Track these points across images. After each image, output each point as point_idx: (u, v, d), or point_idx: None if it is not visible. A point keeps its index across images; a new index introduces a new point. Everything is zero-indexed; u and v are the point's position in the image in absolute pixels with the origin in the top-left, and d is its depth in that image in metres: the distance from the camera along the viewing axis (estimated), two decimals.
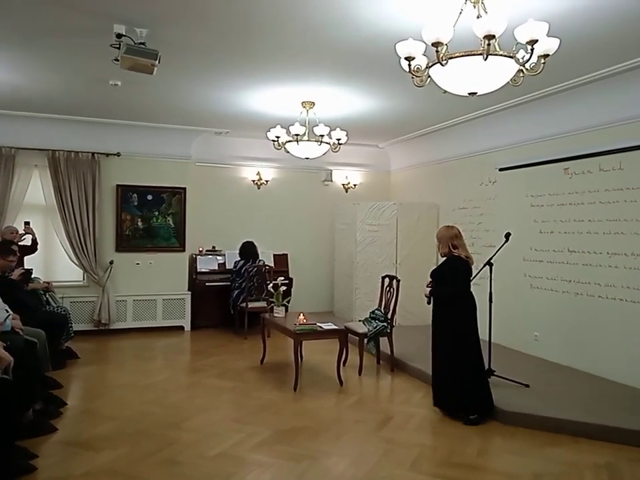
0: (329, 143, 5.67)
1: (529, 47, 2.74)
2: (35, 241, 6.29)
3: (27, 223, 6.27)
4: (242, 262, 7.27)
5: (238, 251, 7.43)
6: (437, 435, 3.84)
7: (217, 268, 7.71)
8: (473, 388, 4.06)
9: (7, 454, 3.00)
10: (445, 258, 4.23)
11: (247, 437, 3.72)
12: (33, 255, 6.26)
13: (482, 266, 4.77)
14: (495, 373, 4.63)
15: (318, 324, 5.00)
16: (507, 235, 4.85)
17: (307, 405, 4.45)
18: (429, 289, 4.24)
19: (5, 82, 5.13)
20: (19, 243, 5.97)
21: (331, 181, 8.67)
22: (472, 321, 4.13)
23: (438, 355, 4.23)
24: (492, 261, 4.74)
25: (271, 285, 5.93)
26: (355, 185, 8.81)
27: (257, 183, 8.22)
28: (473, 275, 4.28)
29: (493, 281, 4.74)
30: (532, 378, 4.74)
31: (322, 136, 5.54)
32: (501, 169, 6.34)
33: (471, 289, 4.22)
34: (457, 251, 4.15)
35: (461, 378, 4.06)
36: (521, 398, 4.31)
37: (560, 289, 5.48)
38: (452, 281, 4.10)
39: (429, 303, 4.29)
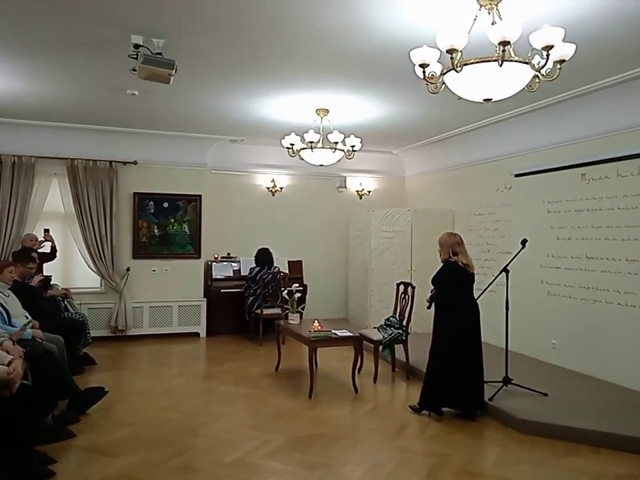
0: (343, 150, 5.68)
1: (545, 53, 2.72)
2: (54, 248, 6.39)
3: (46, 231, 6.38)
4: (257, 268, 7.30)
5: (253, 258, 7.47)
6: (453, 444, 3.80)
7: (232, 275, 7.75)
8: (462, 388, 4.19)
9: (26, 458, 3.04)
10: (443, 263, 4.33)
11: (262, 444, 3.73)
12: (52, 262, 6.35)
13: (498, 273, 4.73)
14: (512, 382, 4.57)
15: (333, 331, 5.00)
16: (523, 242, 4.80)
17: (322, 412, 4.44)
18: (430, 294, 4.38)
19: (26, 92, 5.24)
20: (39, 250, 6.08)
21: (345, 187, 8.68)
22: (467, 325, 4.22)
23: (431, 357, 4.36)
24: (508, 267, 4.69)
25: (286, 291, 5.94)
26: (369, 192, 8.81)
27: (271, 190, 8.26)
28: (489, 282, 4.35)
29: (509, 288, 4.69)
30: (550, 386, 4.68)
31: (336, 143, 5.55)
32: (516, 175, 6.29)
33: (473, 294, 4.34)
34: (455, 257, 4.24)
35: (452, 379, 4.17)
36: (539, 407, 4.25)
37: (578, 296, 5.41)
38: (445, 285, 4.23)
39: (428, 307, 4.43)
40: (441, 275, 4.30)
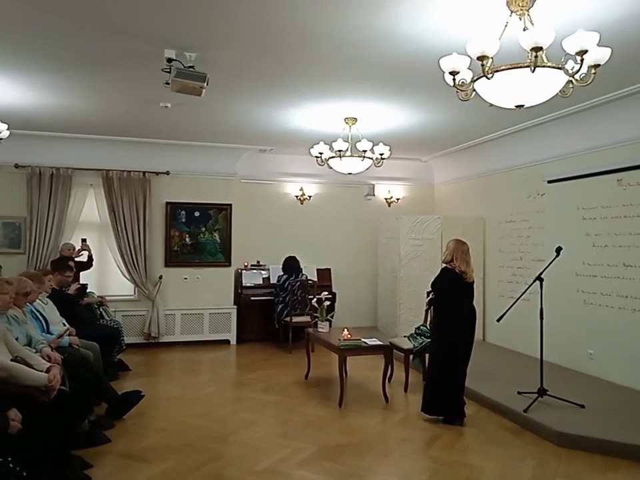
0: (371, 158, 5.68)
1: (579, 58, 2.67)
2: (90, 257, 6.58)
3: (83, 240, 6.58)
4: (285, 276, 7.33)
5: (281, 266, 7.51)
6: (487, 456, 3.72)
7: (261, 282, 7.81)
8: (448, 393, 4.29)
9: (63, 463, 3.12)
10: (442, 268, 4.50)
11: (293, 452, 3.73)
12: (88, 270, 6.53)
13: (532, 281, 4.64)
14: (547, 393, 4.46)
15: (362, 339, 4.97)
16: (558, 249, 4.70)
17: (353, 421, 4.42)
18: (427, 298, 4.73)
19: (62, 106, 5.43)
20: (76, 259, 6.27)
21: (374, 195, 8.66)
22: (461, 331, 4.29)
23: (431, 361, 4.53)
24: (542, 276, 4.59)
25: (315, 299, 5.95)
26: (397, 199, 8.76)
27: (300, 199, 8.31)
28: (523, 291, 4.35)
29: (543, 297, 4.59)
30: (587, 398, 4.54)
31: (364, 151, 5.55)
32: (549, 181, 6.16)
33: (472, 302, 4.41)
34: (454, 262, 4.36)
35: (441, 382, 4.30)
36: (576, 419, 4.13)
37: (615, 305, 5.25)
38: (441, 289, 4.41)
39: (427, 310, 4.81)
40: (438, 280, 4.46)
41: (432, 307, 4.63)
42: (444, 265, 4.47)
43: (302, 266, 7.54)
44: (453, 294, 4.34)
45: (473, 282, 4.42)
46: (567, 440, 3.84)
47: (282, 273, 7.43)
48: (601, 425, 4.00)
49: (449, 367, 4.30)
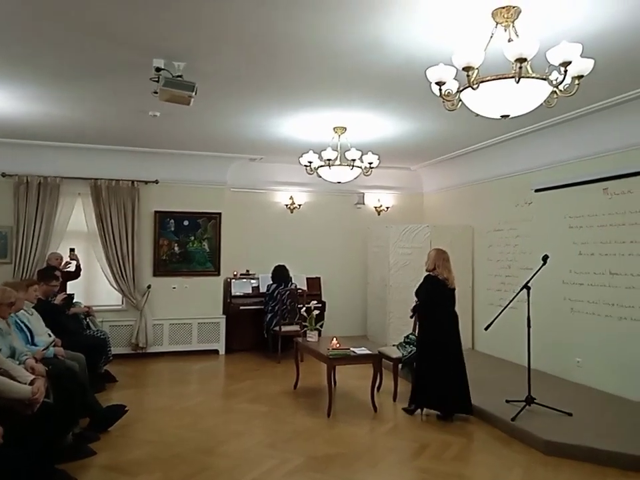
0: (360, 167, 5.70)
1: (563, 69, 2.71)
2: (78, 267, 6.52)
3: (71, 250, 6.52)
4: (274, 285, 7.31)
5: (270, 275, 7.49)
6: (476, 465, 3.72)
7: (250, 292, 7.77)
8: (442, 391, 4.54)
9: (47, 477, 3.06)
10: (424, 276, 4.77)
11: (281, 463, 3.70)
12: (75, 280, 6.47)
13: (519, 289, 4.67)
14: (535, 401, 4.47)
15: (351, 349, 4.96)
16: (545, 258, 4.74)
17: (341, 431, 4.39)
18: (414, 304, 4.86)
19: (50, 115, 5.40)
20: (65, 270, 6.20)
21: (363, 204, 8.69)
22: (446, 333, 4.59)
23: (418, 362, 4.79)
24: (529, 284, 4.61)
25: (304, 308, 5.93)
26: (387, 208, 8.80)
27: (289, 207, 8.31)
28: (510, 299, 4.44)
29: (531, 305, 4.61)
30: (575, 406, 4.56)
31: (354, 160, 5.57)
32: (536, 190, 6.22)
33: (453, 307, 4.66)
34: (436, 270, 4.64)
35: (435, 382, 4.55)
36: (564, 427, 4.15)
37: (602, 313, 5.29)
38: (425, 296, 4.69)
39: (411, 317, 5.00)
40: (422, 288, 4.73)
41: (416, 314, 4.84)
42: (427, 273, 4.73)
43: (291, 275, 7.52)
44: (437, 300, 4.61)
45: (455, 289, 4.69)
46: (555, 448, 3.85)
47: (271, 282, 7.41)
48: (589, 433, 4.01)
49: (441, 365, 4.53)
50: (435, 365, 4.56)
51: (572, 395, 5.09)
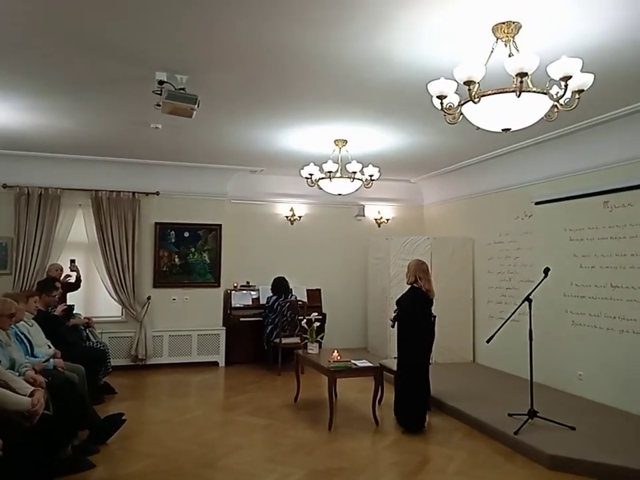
0: (361, 179, 5.72)
1: (563, 83, 2.74)
2: (78, 279, 6.51)
3: (72, 261, 6.52)
4: (274, 297, 7.30)
5: (270, 287, 7.48)
6: None
7: (250, 303, 7.75)
8: (415, 402, 4.67)
9: None
10: (409, 287, 4.82)
11: (282, 477, 3.66)
12: (76, 291, 6.46)
13: (520, 302, 4.66)
14: (537, 414, 4.44)
15: (352, 361, 4.94)
16: (546, 270, 4.74)
17: (342, 444, 4.36)
18: (394, 314, 4.88)
19: (52, 126, 5.43)
20: (65, 281, 6.19)
21: (364, 216, 8.70)
22: (421, 345, 4.71)
23: (398, 369, 4.88)
24: (531, 296, 4.61)
25: (305, 320, 5.91)
26: (387, 220, 8.81)
27: (290, 219, 8.32)
28: (512, 312, 4.43)
29: (532, 318, 4.60)
30: (578, 420, 4.52)
31: (354, 172, 5.59)
32: (537, 203, 6.24)
33: (431, 317, 4.84)
34: (418, 282, 4.74)
35: (405, 391, 4.71)
36: (567, 441, 4.11)
37: (604, 326, 5.27)
38: (409, 307, 4.74)
39: (392, 327, 4.95)
40: (406, 298, 4.80)
41: (396, 323, 4.89)
42: (410, 285, 4.81)
43: (292, 286, 7.51)
44: (420, 310, 4.73)
45: (433, 299, 4.83)
46: (559, 463, 3.81)
47: (271, 294, 7.39)
48: (593, 448, 3.97)
49: (418, 376, 4.71)
50: (416, 374, 4.71)
51: (574, 408, 5.05)
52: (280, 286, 7.39)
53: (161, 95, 3.83)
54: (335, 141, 5.75)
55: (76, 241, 7.07)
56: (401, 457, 4.10)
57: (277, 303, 7.20)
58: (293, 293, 7.47)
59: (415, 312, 4.73)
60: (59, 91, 4.37)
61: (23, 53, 3.59)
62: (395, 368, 5.32)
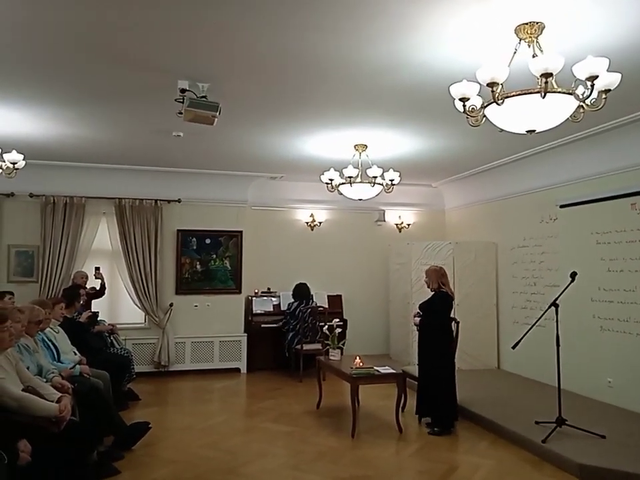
0: (381, 184, 5.69)
1: (589, 83, 2.68)
2: (103, 286, 6.60)
3: (97, 269, 6.63)
4: (295, 303, 7.29)
5: (291, 293, 7.48)
6: None
7: (272, 309, 7.76)
8: (441, 403, 4.78)
9: None
10: (433, 292, 4.96)
11: None
12: (100, 298, 6.55)
13: (547, 307, 4.57)
14: (566, 422, 4.33)
15: (375, 367, 4.90)
16: (573, 275, 4.63)
17: (366, 452, 4.31)
18: (418, 319, 5.00)
19: (77, 136, 5.53)
20: (89, 287, 6.29)
21: (384, 221, 8.66)
22: (451, 346, 4.94)
23: (424, 372, 4.96)
24: (557, 301, 4.51)
25: (326, 326, 5.88)
26: (408, 225, 8.75)
27: (310, 225, 8.32)
28: (538, 317, 4.46)
29: (559, 323, 4.50)
30: (608, 428, 4.40)
31: (375, 177, 5.56)
32: (562, 206, 6.12)
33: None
34: (445, 287, 4.91)
35: (434, 393, 4.80)
36: (596, 450, 4.00)
37: (634, 331, 5.13)
38: (442, 312, 4.89)
39: (419, 331, 5.06)
40: (434, 303, 4.91)
41: (420, 327, 5.01)
42: (434, 290, 4.93)
43: (312, 292, 7.49)
44: (449, 313, 4.94)
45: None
46: (588, 472, 3.71)
47: (292, 300, 7.39)
48: (624, 457, 3.86)
49: (450, 376, 4.85)
50: (445, 375, 4.84)
51: (604, 416, 4.92)
52: (301, 292, 7.38)
53: (182, 103, 3.87)
54: (355, 146, 5.74)
55: (100, 248, 7.18)
56: (427, 465, 4.04)
57: (298, 309, 7.19)
58: (314, 299, 7.44)
59: (446, 315, 4.89)
60: (83, 101, 4.45)
61: (50, 67, 3.67)
62: (417, 374, 5.26)
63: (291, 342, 7.14)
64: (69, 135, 5.46)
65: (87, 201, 7.04)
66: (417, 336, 5.13)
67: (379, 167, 5.53)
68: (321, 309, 7.24)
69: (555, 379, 4.55)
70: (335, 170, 5.68)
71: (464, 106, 2.96)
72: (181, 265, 7.54)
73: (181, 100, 3.88)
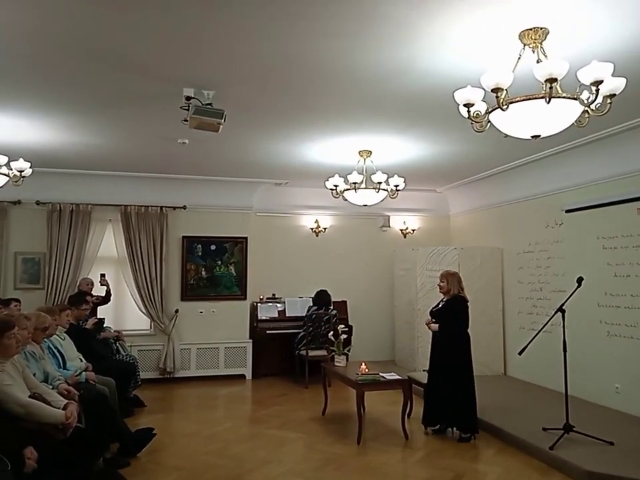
0: (386, 190, 5.68)
1: (594, 88, 2.68)
2: (108, 292, 6.62)
3: (102, 275, 6.65)
4: (314, 308, 7.30)
5: (312, 298, 7.50)
6: None
7: (277, 315, 7.75)
8: (467, 410, 4.68)
9: None
10: (450, 297, 4.86)
11: None
12: (105, 305, 6.57)
13: (553, 313, 4.54)
14: (574, 429, 4.30)
15: (380, 374, 4.88)
16: (579, 280, 4.61)
17: (372, 459, 4.29)
18: (437, 325, 4.87)
19: (83, 144, 5.57)
20: (94, 294, 6.31)
21: (389, 226, 8.65)
22: (469, 351, 4.84)
23: (440, 379, 4.81)
24: (564, 307, 4.49)
25: (332, 332, 5.87)
26: (413, 230, 8.74)
27: (315, 231, 8.32)
28: (544, 323, 4.42)
29: (566, 329, 4.47)
30: (616, 434, 4.36)
31: (379, 183, 5.56)
32: (567, 211, 6.10)
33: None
34: (462, 292, 4.86)
35: (461, 399, 4.67)
36: (605, 457, 3.96)
37: None
38: (465, 316, 4.82)
39: (436, 337, 4.94)
40: (455, 307, 4.82)
41: (440, 333, 4.89)
42: (453, 295, 4.84)
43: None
44: (468, 317, 4.85)
45: None
46: (597, 479, 3.67)
47: (312, 304, 7.41)
48: (633, 464, 3.82)
49: (470, 382, 4.76)
50: (466, 379, 4.77)
51: (611, 422, 4.88)
52: (322, 298, 7.38)
53: (188, 110, 3.89)
54: (359, 152, 5.74)
55: (106, 255, 7.21)
56: (433, 473, 4.01)
57: (315, 314, 7.16)
58: (333, 307, 7.42)
59: (468, 319, 4.86)
60: (90, 109, 4.48)
61: (55, 74, 3.70)
62: (424, 381, 5.24)
63: (300, 342, 7.11)
64: (75, 142, 5.50)
65: (92, 208, 7.08)
66: (431, 342, 5.00)
67: (383, 172, 5.53)
68: (336, 317, 7.17)
69: (562, 385, 4.52)
70: (340, 176, 5.69)
71: (468, 111, 2.97)
72: (186, 271, 7.55)
73: (187, 107, 3.90)
